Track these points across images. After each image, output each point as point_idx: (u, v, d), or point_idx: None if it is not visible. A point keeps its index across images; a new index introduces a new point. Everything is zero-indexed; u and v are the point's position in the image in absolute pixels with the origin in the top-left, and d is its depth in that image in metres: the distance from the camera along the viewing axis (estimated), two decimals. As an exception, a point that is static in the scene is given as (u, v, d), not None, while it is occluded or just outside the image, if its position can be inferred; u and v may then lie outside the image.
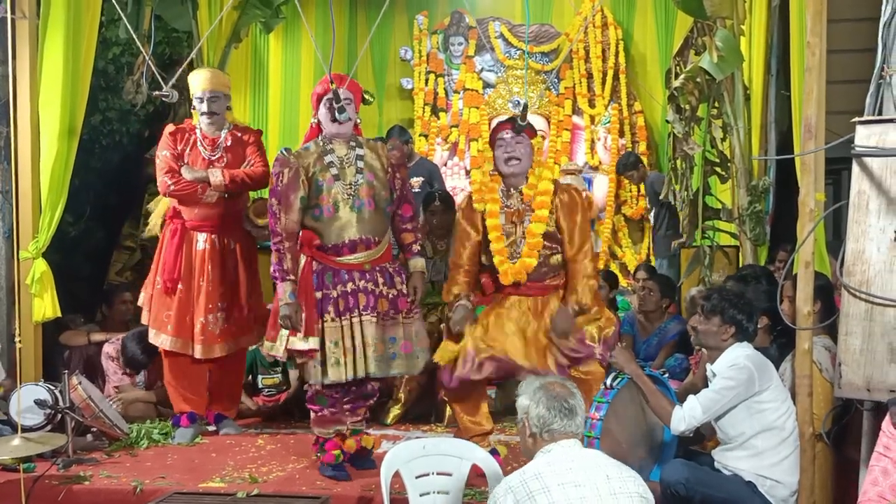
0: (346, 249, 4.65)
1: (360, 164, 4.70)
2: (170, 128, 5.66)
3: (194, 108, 5.64)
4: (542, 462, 3.01)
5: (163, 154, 5.52)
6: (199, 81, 5.55)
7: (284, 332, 4.61)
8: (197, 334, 5.51)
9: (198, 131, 5.59)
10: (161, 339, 5.57)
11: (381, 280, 4.72)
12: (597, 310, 4.71)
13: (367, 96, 5.05)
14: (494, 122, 4.76)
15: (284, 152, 4.69)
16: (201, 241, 5.57)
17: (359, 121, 4.83)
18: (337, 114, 4.63)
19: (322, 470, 4.75)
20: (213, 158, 5.54)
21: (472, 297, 4.77)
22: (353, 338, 4.62)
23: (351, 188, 4.64)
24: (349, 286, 4.64)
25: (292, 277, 4.58)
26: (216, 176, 5.43)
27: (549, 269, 4.69)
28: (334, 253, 4.65)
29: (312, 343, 4.57)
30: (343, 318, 4.63)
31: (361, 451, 4.88)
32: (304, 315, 4.56)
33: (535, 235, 4.64)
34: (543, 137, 9.05)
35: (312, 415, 4.83)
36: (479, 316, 4.73)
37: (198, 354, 5.53)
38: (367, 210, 4.67)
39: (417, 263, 4.88)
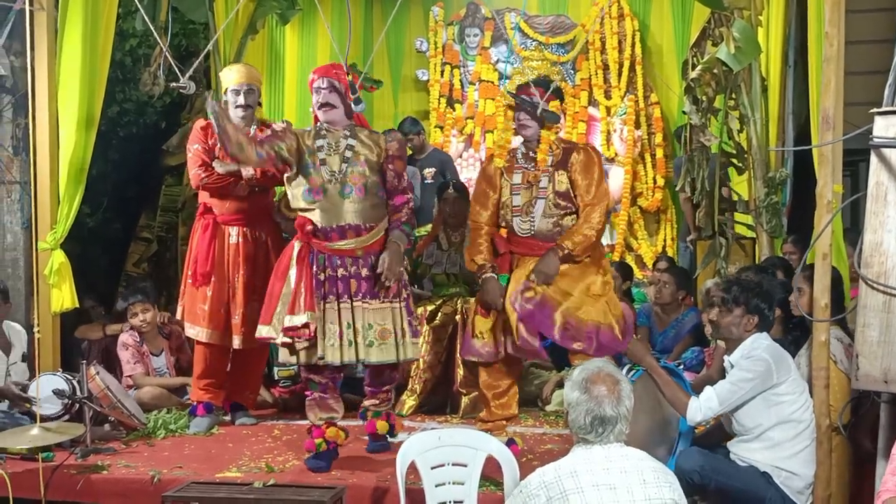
0: (334, 235, 4.69)
1: (349, 153, 4.75)
2: (200, 122, 5.66)
3: (225, 103, 5.64)
4: (580, 457, 2.91)
5: (195, 148, 5.54)
6: (234, 75, 5.57)
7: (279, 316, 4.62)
8: (237, 325, 5.56)
9: None
10: (196, 332, 5.63)
11: (374, 263, 4.70)
12: (590, 263, 4.70)
13: (369, 84, 5.07)
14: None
15: (286, 121, 4.84)
16: (234, 234, 5.62)
17: (357, 109, 4.84)
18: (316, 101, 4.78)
19: (305, 459, 4.74)
20: None
21: (495, 264, 4.76)
22: (342, 322, 4.61)
23: (335, 175, 4.70)
24: (339, 272, 4.67)
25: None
26: (247, 169, 5.47)
27: (562, 230, 4.71)
28: (324, 238, 4.69)
29: (308, 317, 4.54)
30: (341, 300, 4.63)
31: (376, 435, 4.94)
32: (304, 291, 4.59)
33: None
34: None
35: (306, 402, 4.84)
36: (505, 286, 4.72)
37: (236, 345, 5.58)
38: (358, 197, 4.72)
39: (394, 234, 4.78)
